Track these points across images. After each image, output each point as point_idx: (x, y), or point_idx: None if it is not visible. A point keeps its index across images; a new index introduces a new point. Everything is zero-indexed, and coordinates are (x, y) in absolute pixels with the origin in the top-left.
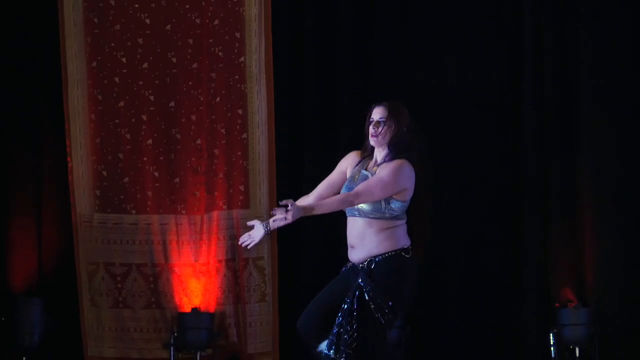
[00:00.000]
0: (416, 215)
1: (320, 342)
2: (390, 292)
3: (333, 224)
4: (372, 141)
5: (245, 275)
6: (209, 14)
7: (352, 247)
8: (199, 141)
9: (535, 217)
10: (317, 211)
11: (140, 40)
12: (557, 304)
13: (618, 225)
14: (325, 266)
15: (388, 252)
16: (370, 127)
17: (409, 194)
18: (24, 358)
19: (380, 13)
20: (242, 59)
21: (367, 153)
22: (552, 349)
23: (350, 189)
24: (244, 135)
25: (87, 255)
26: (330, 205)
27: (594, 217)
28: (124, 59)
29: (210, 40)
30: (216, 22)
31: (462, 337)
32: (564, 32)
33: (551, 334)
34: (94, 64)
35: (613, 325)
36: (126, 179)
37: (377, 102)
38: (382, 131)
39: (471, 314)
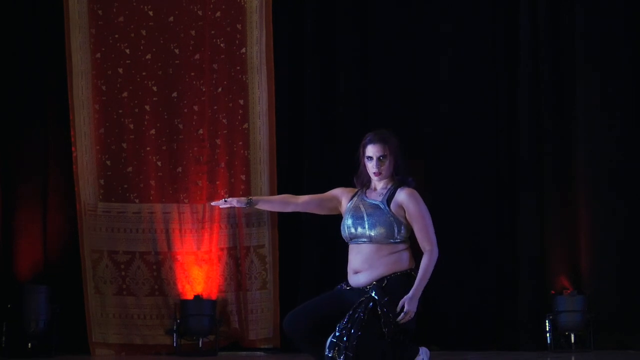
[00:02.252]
0: None
1: (304, 343)
2: (400, 312)
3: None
4: (376, 178)
5: (247, 263)
6: (211, 6)
7: (357, 272)
8: (201, 131)
9: (531, 207)
10: (417, 285)
11: (143, 32)
12: (552, 291)
13: (612, 214)
14: (324, 255)
15: (398, 272)
16: (372, 165)
17: None
18: (29, 344)
19: (379, 10)
20: (243, 50)
21: (361, 186)
22: (547, 335)
23: (357, 217)
24: (245, 125)
25: (92, 244)
26: (423, 275)
27: (588, 207)
28: (127, 50)
29: (212, 32)
30: (218, 14)
31: (460, 323)
32: (559, 16)
33: (547, 321)
34: (98, 55)
35: (607, 312)
36: (130, 169)
37: (370, 139)
38: (385, 167)
39: (469, 301)
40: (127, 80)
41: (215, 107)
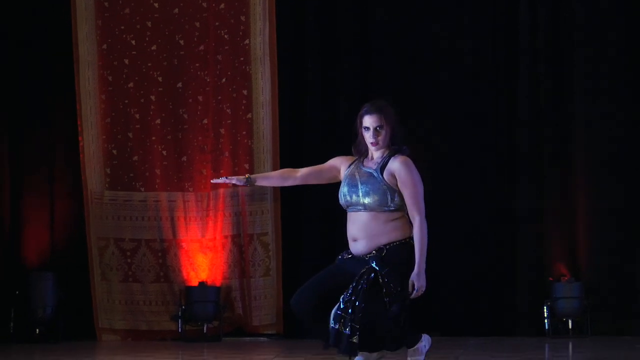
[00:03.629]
0: None
1: (314, 320)
2: (401, 278)
3: (334, 203)
4: (373, 148)
5: (250, 251)
6: None
7: (355, 240)
8: (205, 121)
9: (530, 194)
10: (419, 261)
11: (149, 24)
12: (550, 278)
13: (610, 202)
14: (326, 242)
15: (397, 241)
16: (369, 135)
17: None
18: (37, 330)
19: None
20: (247, 41)
21: (359, 154)
22: (546, 321)
23: (352, 185)
24: (249, 115)
25: (98, 231)
26: (421, 248)
27: (586, 194)
28: (133, 42)
29: (217, 24)
30: (222, 5)
31: (460, 310)
32: (558, 10)
33: (545, 307)
34: (105, 46)
35: (604, 298)
36: (135, 158)
37: (367, 109)
38: (382, 137)
39: (469, 288)
40: (133, 70)
41: (220, 97)
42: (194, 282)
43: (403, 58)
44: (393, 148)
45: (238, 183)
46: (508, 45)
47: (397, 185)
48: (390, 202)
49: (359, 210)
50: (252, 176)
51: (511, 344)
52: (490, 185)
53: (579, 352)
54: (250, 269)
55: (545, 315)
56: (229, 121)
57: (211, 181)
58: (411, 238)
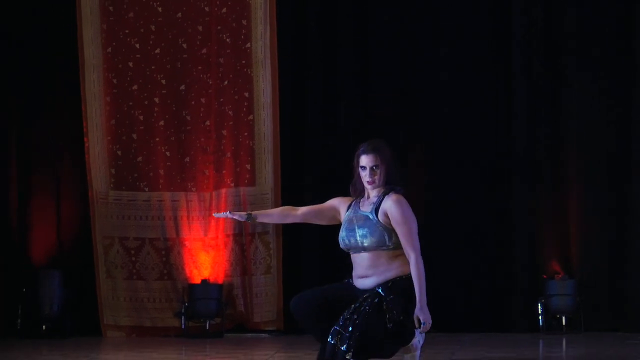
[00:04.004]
0: (415, 191)
1: (310, 322)
2: (405, 307)
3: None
4: (369, 187)
5: (252, 249)
6: (217, 2)
7: (362, 277)
8: (207, 122)
9: (524, 195)
10: (420, 296)
11: (152, 27)
12: (544, 276)
13: (602, 201)
14: (325, 241)
15: (403, 275)
16: (366, 174)
17: None
18: (44, 326)
19: (377, 6)
20: (248, 45)
21: (356, 194)
22: (540, 317)
23: (350, 230)
24: (250, 117)
25: (103, 230)
26: (419, 283)
27: (579, 194)
28: (137, 45)
29: (219, 27)
30: (224, 10)
31: (456, 306)
32: (552, 10)
33: (539, 304)
34: (109, 49)
35: (597, 295)
36: (139, 158)
37: (364, 149)
38: (378, 176)
39: (465, 285)
40: (137, 73)
41: (222, 100)
42: (197, 280)
43: (402, 60)
44: (387, 187)
45: (239, 219)
46: (504, 48)
47: (390, 224)
48: (388, 241)
49: (360, 252)
50: (254, 213)
51: (506, 340)
52: (487, 186)
53: (572, 348)
54: (252, 267)
55: (540, 312)
56: (231, 123)
57: (213, 214)
58: (410, 275)
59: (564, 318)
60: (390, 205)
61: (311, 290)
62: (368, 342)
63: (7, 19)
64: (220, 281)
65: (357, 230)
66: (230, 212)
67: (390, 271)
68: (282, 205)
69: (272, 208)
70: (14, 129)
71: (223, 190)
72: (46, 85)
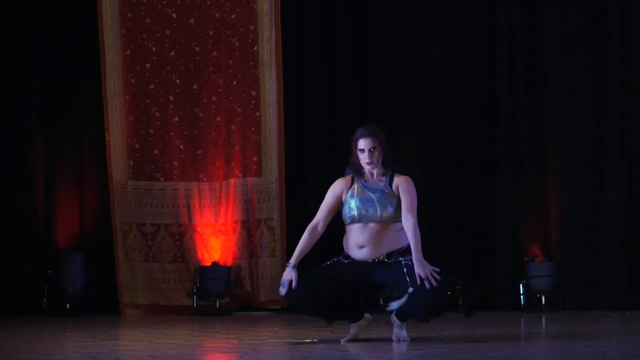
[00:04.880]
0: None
1: (318, 314)
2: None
3: None
4: (368, 168)
5: (258, 234)
6: (227, 9)
7: (362, 247)
8: (218, 119)
9: (507, 182)
10: (417, 253)
11: (167, 32)
12: (525, 259)
13: (579, 189)
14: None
15: (402, 247)
16: (365, 157)
17: None
18: (67, 305)
19: (375, 11)
20: (255, 48)
21: (355, 173)
22: (521, 297)
23: (367, 200)
24: (257, 114)
25: (122, 217)
26: (416, 242)
27: (558, 183)
28: (153, 48)
29: (228, 32)
30: (233, 16)
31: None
32: (534, 12)
33: (520, 285)
34: (128, 52)
35: (573, 276)
36: (156, 151)
37: (361, 133)
38: (376, 157)
39: (452, 268)
40: (154, 74)
41: (231, 98)
42: (208, 263)
43: (397, 60)
44: (392, 168)
45: (292, 276)
46: (491, 53)
47: (395, 201)
48: (396, 213)
49: (371, 222)
50: (293, 261)
51: (490, 318)
52: (474, 176)
53: (551, 325)
54: (258, 251)
55: (521, 292)
56: (240, 119)
57: (280, 293)
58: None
59: (543, 298)
60: (403, 181)
61: (309, 287)
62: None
63: (36, 25)
64: (229, 264)
65: (376, 201)
66: (282, 285)
67: (391, 243)
68: (287, 194)
69: (276, 196)
70: (40, 125)
71: (232, 180)
72: (71, 85)
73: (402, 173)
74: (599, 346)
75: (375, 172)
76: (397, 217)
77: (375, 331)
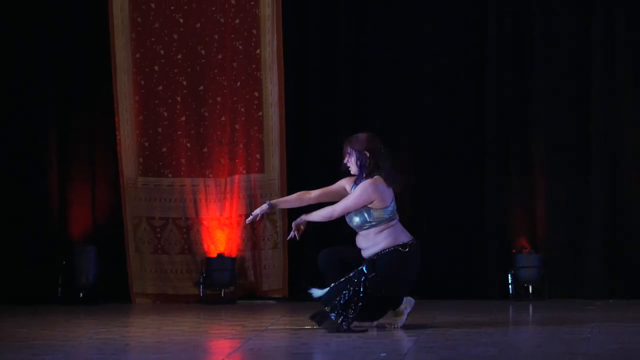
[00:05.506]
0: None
1: (333, 276)
2: (387, 281)
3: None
4: (351, 171)
5: (261, 227)
6: (231, 14)
7: (363, 249)
8: (223, 118)
9: (497, 178)
10: (310, 217)
11: (175, 36)
12: (514, 250)
13: (564, 185)
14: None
15: (388, 248)
16: (345, 162)
17: (382, 203)
18: (81, 294)
19: (371, 17)
20: (258, 51)
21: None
22: (510, 286)
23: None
24: (260, 114)
25: (132, 211)
26: (320, 213)
27: (544, 178)
28: (162, 51)
29: (232, 36)
30: (237, 21)
31: (437, 277)
32: (521, 19)
33: (509, 275)
34: (138, 55)
35: (559, 267)
36: (164, 149)
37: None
38: (352, 163)
39: (445, 258)
40: (162, 76)
41: (235, 98)
42: (213, 254)
43: (391, 65)
44: (366, 170)
45: (262, 212)
46: (481, 56)
47: (368, 203)
48: (369, 218)
49: (357, 231)
50: (273, 202)
51: (480, 306)
52: (465, 171)
53: (538, 313)
54: (261, 243)
55: (510, 282)
56: (243, 118)
57: (246, 221)
58: (401, 244)
59: (530, 287)
60: (361, 182)
61: (336, 250)
62: (353, 309)
63: (51, 29)
64: (233, 255)
65: (351, 213)
66: (252, 215)
67: (379, 244)
68: (288, 189)
69: (278, 192)
70: (55, 124)
71: (236, 177)
72: (84, 86)
73: (375, 177)
74: (583, 332)
75: (357, 177)
76: (365, 222)
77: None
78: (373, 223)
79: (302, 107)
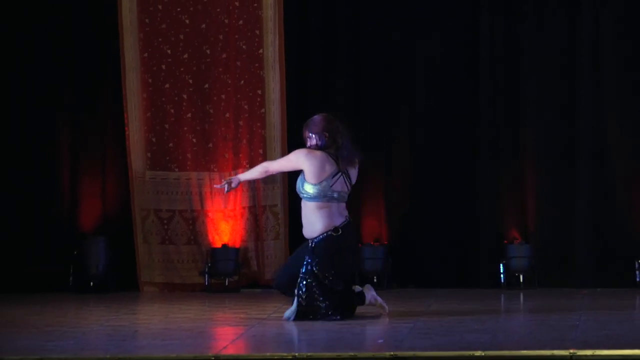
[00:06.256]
0: (396, 174)
1: (292, 292)
2: (330, 265)
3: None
4: None
5: (264, 219)
6: (235, 15)
7: (303, 226)
8: (227, 115)
9: (489, 174)
10: (244, 176)
11: (181, 36)
12: (505, 241)
13: (553, 180)
14: None
15: (322, 234)
16: None
17: (312, 179)
18: (91, 283)
19: (369, 19)
20: (260, 51)
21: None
22: (501, 276)
23: None
24: (263, 110)
25: (141, 203)
26: (251, 173)
27: (534, 174)
28: (169, 51)
29: (236, 36)
30: (241, 22)
31: (432, 266)
32: (510, 23)
33: (501, 264)
34: (146, 54)
35: (548, 257)
36: (171, 144)
37: None
38: (312, 146)
39: (440, 248)
40: (169, 74)
41: (239, 96)
42: (218, 245)
43: (388, 63)
44: (320, 148)
45: (235, 186)
46: (474, 58)
47: (304, 174)
48: (301, 188)
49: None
50: (240, 176)
51: (473, 294)
52: (459, 166)
53: (528, 301)
54: (264, 234)
55: (501, 271)
56: (247, 115)
57: (215, 186)
58: (333, 229)
59: (521, 276)
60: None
61: (285, 269)
62: (315, 298)
63: (63, 30)
64: (237, 245)
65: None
66: (223, 185)
67: (314, 228)
68: (289, 183)
69: (279, 185)
70: (66, 120)
71: (240, 171)
72: (94, 84)
73: (341, 157)
74: (572, 320)
75: None
76: (300, 189)
77: (372, 308)
78: (304, 194)
79: (303, 104)
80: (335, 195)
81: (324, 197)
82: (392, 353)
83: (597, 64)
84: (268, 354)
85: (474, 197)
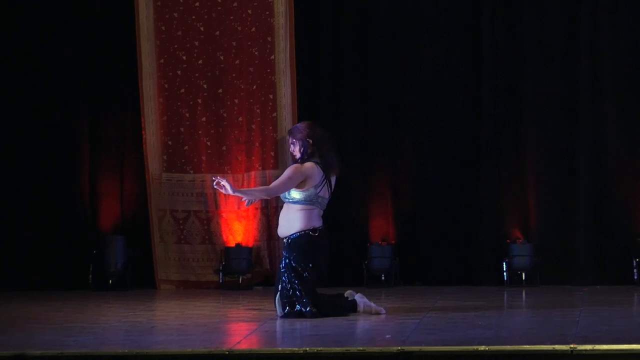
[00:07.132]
0: (403, 175)
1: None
2: (307, 258)
3: (338, 184)
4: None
5: (275, 219)
6: (248, 23)
7: (279, 226)
8: (240, 119)
9: (491, 175)
10: (242, 193)
11: (196, 43)
12: (508, 240)
13: (554, 181)
14: (330, 211)
15: (299, 232)
16: None
17: (304, 186)
18: (110, 281)
19: (375, 25)
20: (272, 57)
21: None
22: (504, 274)
23: None
24: (274, 114)
25: (157, 204)
26: (251, 191)
27: (535, 174)
28: (184, 57)
29: (249, 43)
30: (253, 29)
31: (437, 265)
32: (512, 24)
33: (504, 263)
34: (162, 60)
35: (550, 256)
36: (186, 147)
37: None
38: (295, 152)
39: (445, 248)
40: (184, 80)
41: (251, 100)
42: (232, 244)
43: (395, 67)
44: (304, 156)
45: (225, 191)
46: (477, 60)
47: (295, 185)
48: (287, 193)
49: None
50: (237, 190)
51: (477, 292)
52: (464, 168)
53: (530, 298)
54: (275, 234)
55: (504, 270)
56: (259, 119)
57: (212, 178)
58: (312, 229)
59: (523, 274)
60: (288, 169)
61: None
62: (295, 293)
63: (83, 37)
64: (250, 245)
65: None
66: (219, 184)
67: (292, 226)
68: None
69: None
70: (86, 125)
71: (253, 173)
72: (112, 89)
73: (303, 163)
74: (572, 316)
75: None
76: (284, 197)
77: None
78: (289, 200)
79: (313, 108)
80: (319, 200)
81: (309, 201)
82: (399, 348)
83: (597, 64)
84: (280, 349)
85: (477, 198)
